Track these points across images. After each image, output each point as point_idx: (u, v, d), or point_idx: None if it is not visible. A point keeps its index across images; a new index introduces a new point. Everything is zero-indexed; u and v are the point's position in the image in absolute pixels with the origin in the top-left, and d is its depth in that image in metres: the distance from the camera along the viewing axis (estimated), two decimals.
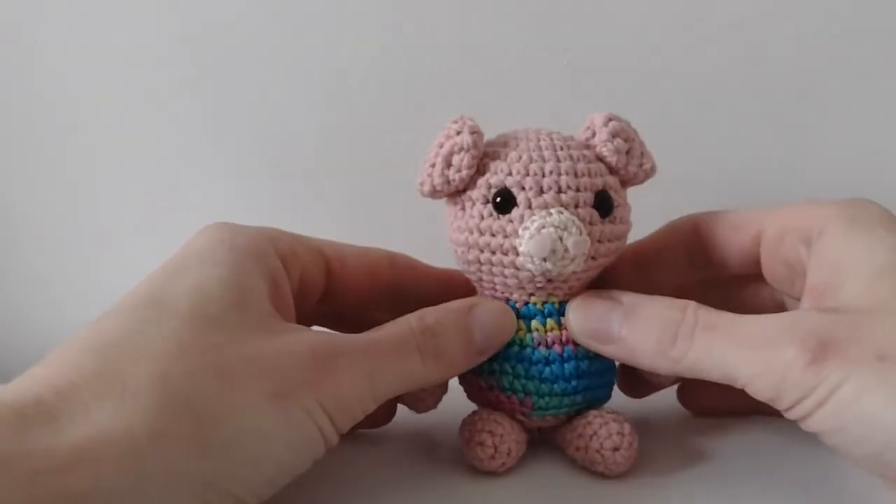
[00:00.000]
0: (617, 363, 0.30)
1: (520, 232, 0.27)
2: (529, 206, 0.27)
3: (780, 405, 0.24)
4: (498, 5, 0.41)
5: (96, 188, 0.45)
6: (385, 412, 0.32)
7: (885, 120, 0.42)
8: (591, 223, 0.28)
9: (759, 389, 0.24)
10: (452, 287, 0.32)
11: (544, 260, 0.27)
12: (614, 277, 0.30)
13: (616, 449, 0.28)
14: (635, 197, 0.32)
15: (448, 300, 0.31)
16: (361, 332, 0.33)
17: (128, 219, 0.45)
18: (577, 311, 0.28)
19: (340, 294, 0.31)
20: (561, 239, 0.27)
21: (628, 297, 0.28)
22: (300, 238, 0.29)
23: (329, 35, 0.42)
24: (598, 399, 0.30)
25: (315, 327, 0.31)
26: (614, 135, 0.28)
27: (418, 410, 0.31)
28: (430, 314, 0.28)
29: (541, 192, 0.27)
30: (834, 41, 0.41)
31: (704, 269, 0.31)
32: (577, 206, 0.27)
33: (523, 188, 0.27)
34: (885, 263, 0.25)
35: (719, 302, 0.29)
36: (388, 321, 0.31)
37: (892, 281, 0.24)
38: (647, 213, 0.41)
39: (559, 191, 0.27)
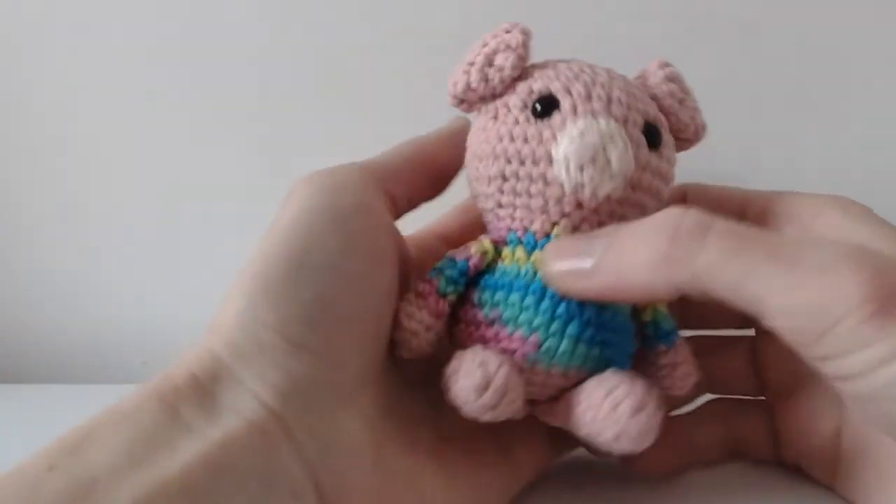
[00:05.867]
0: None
1: (558, 137, 0.24)
2: (575, 112, 0.24)
3: (812, 352, 0.20)
4: (498, 5, 0.41)
5: (95, 187, 0.45)
6: None
7: (886, 119, 0.42)
8: (637, 145, 0.24)
9: (794, 328, 0.19)
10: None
11: (581, 170, 0.24)
12: None
13: (638, 410, 0.22)
14: None
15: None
16: None
17: (128, 219, 0.45)
18: (551, 248, 0.24)
19: None
20: (605, 149, 0.24)
21: (611, 227, 0.24)
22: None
23: (329, 35, 0.42)
24: (615, 362, 0.25)
25: None
26: (670, 79, 0.26)
27: (408, 352, 0.25)
28: None
29: (589, 98, 0.24)
30: (834, 39, 0.41)
31: None
32: (625, 122, 0.24)
33: (570, 94, 0.24)
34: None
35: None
36: None
37: None
38: None
39: (609, 101, 0.24)
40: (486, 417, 0.23)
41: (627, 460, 0.27)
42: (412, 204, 0.28)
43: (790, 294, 0.19)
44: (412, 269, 0.27)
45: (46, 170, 0.45)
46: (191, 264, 0.45)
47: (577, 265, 0.23)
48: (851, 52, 0.40)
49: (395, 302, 0.25)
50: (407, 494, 0.24)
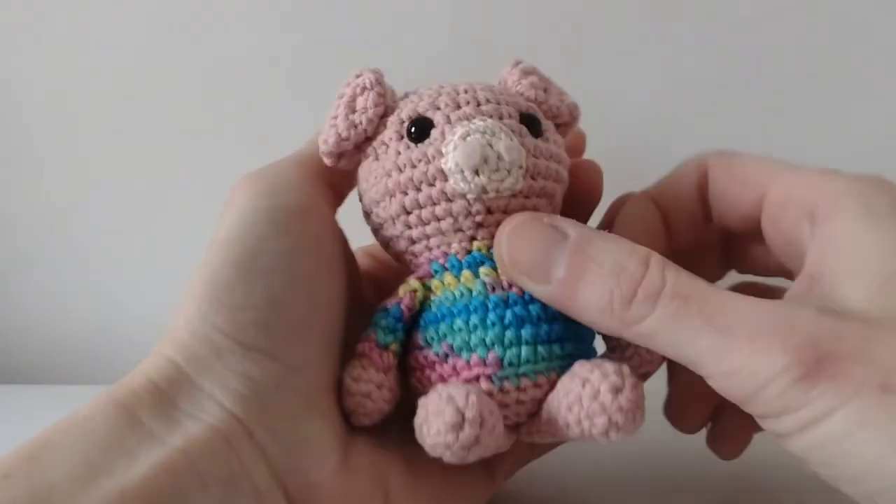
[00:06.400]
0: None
1: (443, 150, 0.23)
2: (449, 122, 0.24)
3: (750, 411, 0.20)
4: (500, 6, 0.41)
5: (93, 186, 0.45)
6: None
7: (887, 118, 0.42)
8: (521, 135, 0.24)
9: (727, 388, 0.20)
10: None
11: (476, 173, 0.23)
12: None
13: (618, 391, 0.21)
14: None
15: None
16: None
17: (126, 221, 0.45)
18: (510, 235, 0.23)
19: None
20: (490, 145, 0.23)
21: (576, 230, 0.23)
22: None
23: (328, 32, 0.42)
24: (578, 354, 0.24)
25: None
26: (527, 73, 0.26)
27: (364, 417, 0.24)
28: None
29: (458, 106, 0.24)
30: (835, 38, 0.41)
31: (709, 221, 0.27)
32: (501, 118, 0.24)
33: (438, 108, 0.24)
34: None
35: (717, 262, 0.27)
36: None
37: None
38: None
39: (478, 104, 0.24)
40: (473, 456, 0.22)
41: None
42: (352, 187, 0.27)
43: (722, 359, 0.20)
44: (358, 271, 0.28)
45: (39, 172, 0.45)
46: (187, 267, 0.45)
47: (534, 264, 0.23)
48: (852, 50, 0.40)
49: (345, 305, 0.25)
50: (373, 493, 0.24)
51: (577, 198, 0.27)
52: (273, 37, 0.42)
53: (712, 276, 0.29)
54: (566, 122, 0.27)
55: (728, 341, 0.20)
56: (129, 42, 0.43)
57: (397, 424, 0.25)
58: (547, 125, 0.25)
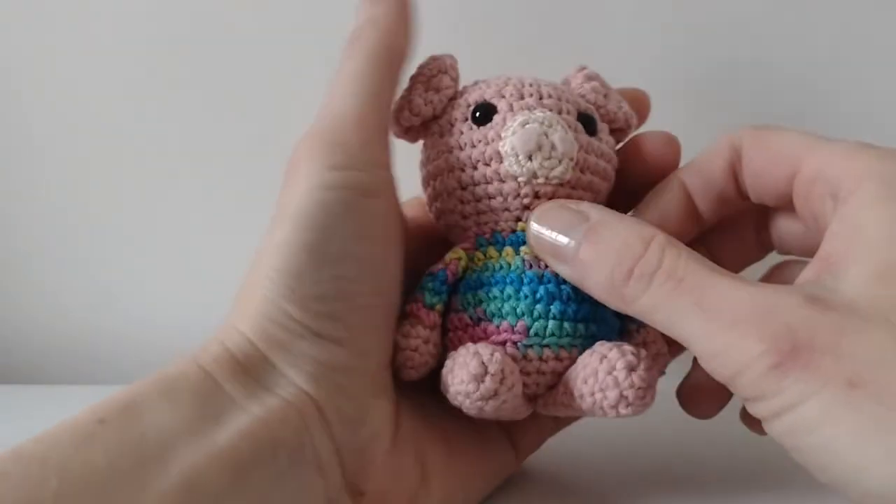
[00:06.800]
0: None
1: (502, 134, 0.26)
2: (511, 109, 0.26)
3: (734, 392, 0.21)
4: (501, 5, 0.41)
5: (93, 186, 0.45)
6: None
7: (887, 118, 0.42)
8: (576, 131, 0.26)
9: (712, 369, 0.21)
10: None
11: (530, 158, 0.25)
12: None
13: (632, 369, 0.23)
14: None
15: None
16: None
17: (126, 221, 0.45)
18: (539, 219, 0.25)
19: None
20: (546, 135, 0.25)
21: (598, 213, 0.24)
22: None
23: (328, 33, 0.42)
24: (601, 336, 0.26)
25: None
26: (590, 78, 0.29)
27: (413, 370, 0.26)
28: None
29: (522, 97, 0.26)
30: (834, 38, 0.41)
31: (743, 199, 0.27)
32: (559, 112, 0.26)
33: (503, 97, 0.27)
34: None
35: (753, 242, 0.28)
36: None
37: None
38: None
39: (541, 97, 0.27)
40: (489, 409, 0.24)
41: None
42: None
43: (706, 341, 0.21)
44: (412, 247, 0.27)
45: (39, 172, 0.45)
46: (186, 267, 0.45)
47: (555, 242, 0.25)
48: (852, 50, 0.41)
49: (401, 284, 0.26)
50: (414, 468, 0.25)
51: (655, 175, 0.28)
52: (274, 37, 0.42)
53: (748, 257, 0.30)
54: (621, 127, 0.29)
55: (712, 324, 0.21)
56: (129, 42, 0.43)
57: (436, 404, 0.26)
58: (602, 127, 0.28)
